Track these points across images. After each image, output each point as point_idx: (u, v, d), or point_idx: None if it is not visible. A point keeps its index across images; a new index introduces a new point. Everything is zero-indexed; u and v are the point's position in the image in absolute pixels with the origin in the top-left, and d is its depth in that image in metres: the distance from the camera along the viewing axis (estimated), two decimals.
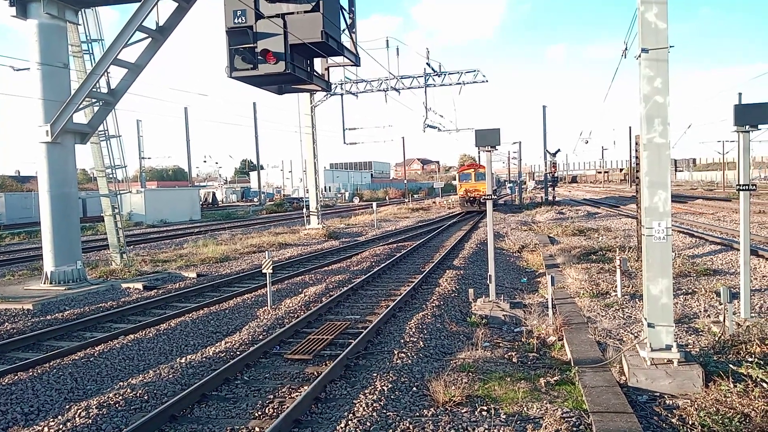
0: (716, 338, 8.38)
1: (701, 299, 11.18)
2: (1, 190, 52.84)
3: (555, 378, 7.68)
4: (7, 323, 11.93)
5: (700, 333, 9.07)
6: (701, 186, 79.23)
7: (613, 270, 13.30)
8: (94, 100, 16.03)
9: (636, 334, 9.04)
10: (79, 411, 6.90)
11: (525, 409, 6.70)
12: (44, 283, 15.57)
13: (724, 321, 8.57)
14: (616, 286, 12.09)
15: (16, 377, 8.24)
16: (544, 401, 6.90)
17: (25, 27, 15.13)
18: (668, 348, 7.06)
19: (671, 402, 6.66)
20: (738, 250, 16.75)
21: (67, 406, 7.25)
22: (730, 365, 6.87)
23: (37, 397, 7.66)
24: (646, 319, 7.26)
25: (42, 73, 15.00)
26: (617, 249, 16.66)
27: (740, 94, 50.73)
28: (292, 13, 12.61)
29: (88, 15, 16.75)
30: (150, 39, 15.35)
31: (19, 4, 14.90)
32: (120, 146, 18.69)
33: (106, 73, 15.46)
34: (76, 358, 9.15)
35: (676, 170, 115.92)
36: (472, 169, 43.63)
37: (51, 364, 8.85)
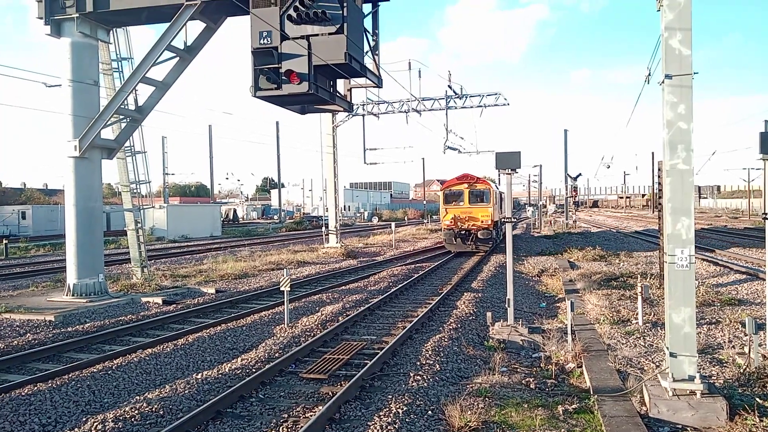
0: (741, 370, 8.17)
1: (725, 329, 10.92)
2: (28, 203, 54.04)
3: (573, 406, 7.53)
4: (29, 334, 12.12)
5: (725, 364, 8.84)
6: (726, 213, 77.82)
7: (635, 297, 13.07)
8: (121, 117, 16.40)
9: (658, 364, 8.84)
10: (95, 424, 6.95)
11: None
12: (67, 295, 15.80)
13: (749, 352, 8.36)
14: (637, 314, 11.87)
15: (36, 388, 8.35)
16: (562, 430, 6.76)
17: (58, 45, 15.61)
18: (691, 379, 6.90)
19: None
20: (764, 279, 16.40)
21: (84, 419, 7.31)
22: (756, 398, 6.69)
23: (55, 408, 7.74)
24: (668, 348, 7.11)
25: (73, 89, 15.41)
26: (639, 276, 16.40)
27: (766, 121, 49.94)
28: (317, 34, 12.84)
29: (119, 34, 17.23)
30: (178, 58, 15.72)
31: (54, 23, 15.39)
32: (145, 162, 19.02)
33: (134, 91, 15.84)
34: (95, 370, 9.24)
35: (699, 197, 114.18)
36: (466, 184, 27.48)
37: (70, 375, 8.95)
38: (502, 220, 29.32)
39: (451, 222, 27.17)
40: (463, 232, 27.11)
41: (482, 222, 26.75)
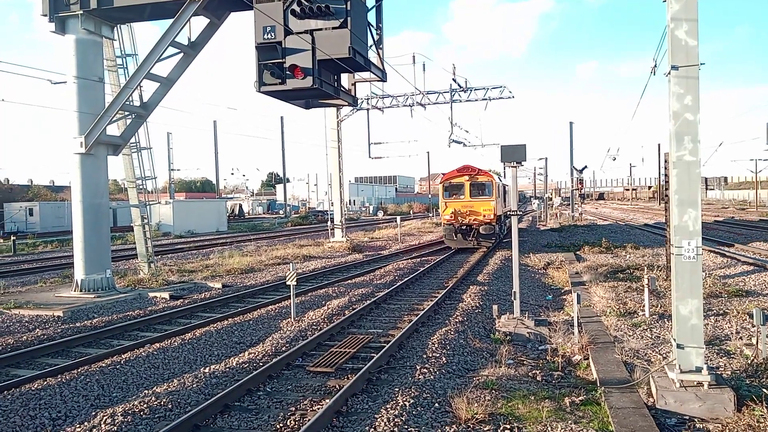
0: (749, 361, 8.15)
1: (733, 321, 10.88)
2: (35, 200, 54.32)
3: (580, 398, 7.54)
4: (38, 329, 12.22)
5: (732, 356, 8.82)
6: (733, 205, 77.40)
7: (641, 289, 13.05)
8: (126, 113, 16.45)
9: (665, 355, 8.84)
10: (104, 418, 7.01)
11: (549, 428, 6.58)
12: (74, 291, 15.90)
13: (757, 344, 8.33)
14: (644, 306, 11.85)
15: (45, 383, 8.42)
16: (569, 421, 6.77)
17: (63, 42, 15.64)
18: (698, 370, 6.89)
19: (701, 426, 6.48)
20: None
21: (93, 413, 7.38)
22: (764, 389, 6.67)
23: (65, 402, 7.81)
24: (675, 339, 7.10)
25: (78, 86, 15.46)
26: (645, 267, 16.35)
27: None
28: (321, 29, 12.81)
29: (123, 30, 17.24)
30: (182, 54, 15.74)
31: (58, 21, 15.43)
32: (150, 158, 19.08)
33: (139, 87, 15.88)
34: (104, 365, 9.31)
35: (706, 188, 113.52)
36: (467, 177, 25.78)
37: (79, 370, 9.03)
38: (507, 213, 28.21)
39: (451, 216, 25.40)
40: (463, 227, 25.46)
41: (484, 216, 25.18)
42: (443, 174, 27.82)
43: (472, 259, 23.29)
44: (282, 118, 72.47)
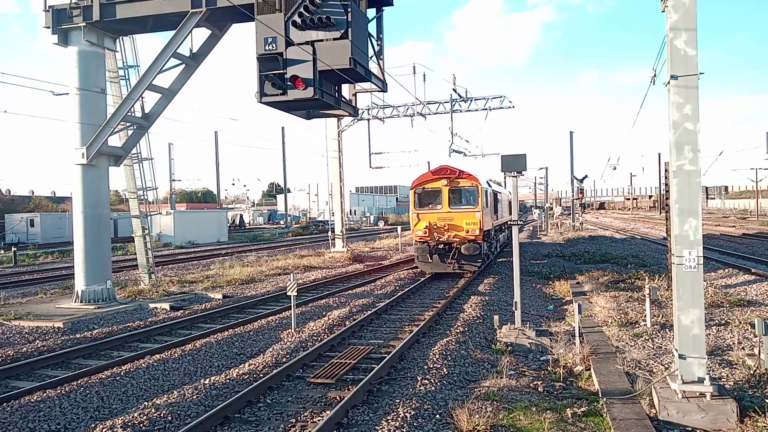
0: (751, 371, 8.11)
1: (735, 331, 10.84)
2: (36, 211, 54.38)
3: (582, 409, 7.50)
4: (38, 340, 12.18)
5: (734, 366, 8.78)
6: (734, 214, 77.31)
7: (643, 299, 13.01)
8: (128, 124, 16.51)
9: (667, 366, 8.79)
10: (104, 430, 6.97)
11: None
12: (75, 302, 15.87)
13: (759, 354, 8.30)
14: (645, 316, 11.81)
15: (45, 394, 8.38)
16: None
17: (65, 54, 15.73)
18: (700, 381, 6.85)
19: None
20: None
21: (93, 425, 7.33)
22: (767, 400, 6.63)
23: (64, 414, 7.77)
24: (677, 350, 7.07)
25: (80, 97, 15.52)
26: (647, 277, 16.31)
27: None
28: (322, 40, 12.88)
29: (126, 42, 17.35)
30: (183, 65, 15.81)
31: (61, 33, 15.52)
32: (151, 168, 19.14)
33: (140, 98, 15.93)
34: (103, 376, 9.27)
35: (707, 198, 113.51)
36: (445, 180, 19.93)
37: (78, 382, 8.99)
38: (500, 226, 26.16)
39: (425, 232, 19.64)
40: (441, 246, 19.66)
41: (467, 232, 19.48)
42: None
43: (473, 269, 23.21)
44: (283, 128, 72.74)
